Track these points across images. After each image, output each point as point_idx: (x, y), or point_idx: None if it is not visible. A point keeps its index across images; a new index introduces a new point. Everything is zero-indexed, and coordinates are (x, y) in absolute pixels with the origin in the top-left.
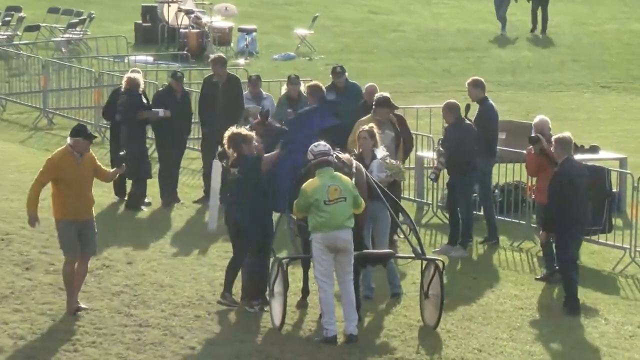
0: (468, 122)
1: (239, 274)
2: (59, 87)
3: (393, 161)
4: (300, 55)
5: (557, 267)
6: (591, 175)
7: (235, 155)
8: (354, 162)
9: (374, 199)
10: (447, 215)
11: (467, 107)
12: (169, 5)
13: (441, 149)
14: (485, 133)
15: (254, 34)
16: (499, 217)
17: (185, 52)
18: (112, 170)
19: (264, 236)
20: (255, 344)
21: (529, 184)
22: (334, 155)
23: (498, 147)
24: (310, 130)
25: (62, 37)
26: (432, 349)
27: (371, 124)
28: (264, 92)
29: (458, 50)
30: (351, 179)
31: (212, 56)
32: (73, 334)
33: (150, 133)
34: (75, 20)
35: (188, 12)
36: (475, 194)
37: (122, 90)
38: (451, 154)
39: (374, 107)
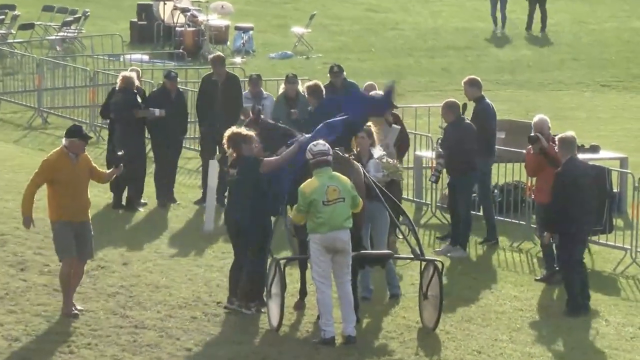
0: (468, 121)
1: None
2: (54, 86)
3: (390, 160)
4: (297, 54)
5: (557, 268)
6: (592, 175)
7: (234, 155)
8: (354, 162)
9: (372, 199)
10: (449, 216)
11: (464, 107)
12: (164, 4)
13: (440, 149)
14: (483, 132)
15: (251, 32)
16: (499, 218)
17: (181, 50)
18: (108, 171)
19: (264, 236)
20: (253, 346)
21: (529, 184)
22: (335, 152)
23: (497, 147)
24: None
25: (57, 36)
26: (431, 351)
27: (369, 123)
28: (264, 92)
29: (457, 48)
30: (350, 178)
31: (211, 55)
32: (68, 336)
33: (147, 133)
34: (70, 18)
35: (184, 11)
36: (474, 194)
37: (117, 88)
38: (451, 153)
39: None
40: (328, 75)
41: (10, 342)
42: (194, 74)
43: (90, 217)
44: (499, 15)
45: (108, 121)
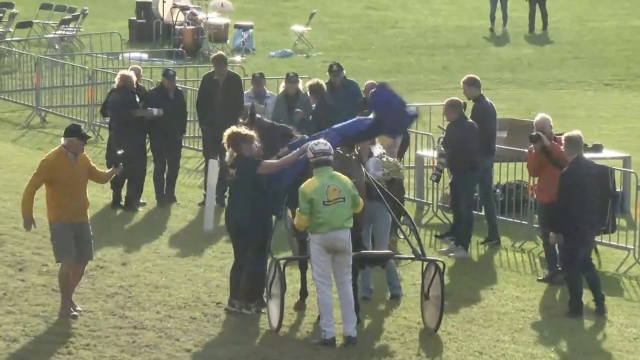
0: (470, 120)
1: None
2: (52, 85)
3: (390, 159)
4: (297, 52)
5: (559, 268)
6: (595, 174)
7: (234, 155)
8: (356, 162)
9: (373, 199)
10: (452, 215)
11: (464, 106)
12: (164, 2)
13: (442, 148)
14: (482, 132)
15: (251, 30)
16: (501, 217)
17: (180, 49)
18: (108, 171)
19: (264, 236)
20: (253, 346)
21: (531, 184)
22: (336, 151)
23: (499, 146)
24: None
25: (55, 34)
26: (433, 352)
27: None
28: (267, 91)
29: (457, 47)
30: (351, 177)
31: (213, 54)
32: (67, 336)
33: None
34: (69, 16)
35: (183, 9)
36: (476, 194)
37: (115, 87)
38: (453, 152)
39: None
40: (327, 74)
41: (9, 343)
42: (193, 73)
43: (89, 218)
44: (499, 14)
45: (107, 120)
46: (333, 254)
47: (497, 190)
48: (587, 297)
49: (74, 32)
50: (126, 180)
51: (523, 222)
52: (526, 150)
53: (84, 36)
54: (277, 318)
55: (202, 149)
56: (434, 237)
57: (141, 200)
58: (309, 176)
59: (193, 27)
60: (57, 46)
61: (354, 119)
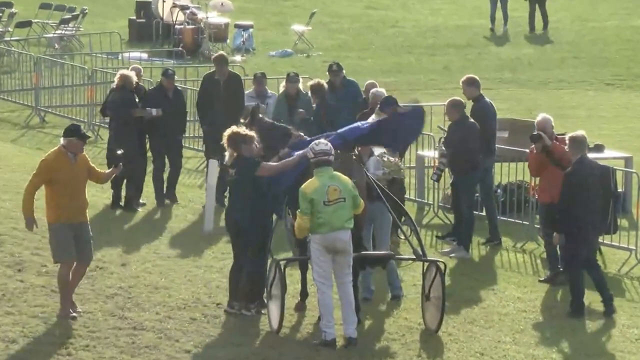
0: (472, 120)
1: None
2: (51, 85)
3: (391, 158)
4: (297, 52)
5: (561, 269)
6: (597, 174)
7: (234, 155)
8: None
9: (374, 199)
10: (453, 216)
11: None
12: (163, 1)
13: (443, 148)
14: (482, 131)
15: (251, 30)
16: (502, 218)
17: (180, 48)
18: (107, 171)
19: (264, 237)
20: (253, 347)
21: (532, 184)
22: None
23: (501, 146)
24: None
25: (55, 34)
26: (433, 353)
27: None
28: (269, 91)
29: (457, 47)
30: (351, 177)
31: (215, 55)
32: (66, 337)
33: None
34: (68, 16)
35: (183, 8)
36: (477, 194)
37: (114, 86)
38: (455, 152)
39: (381, 106)
40: (327, 74)
41: (7, 344)
42: (193, 72)
43: (88, 218)
44: (499, 15)
45: (108, 120)
46: (333, 255)
47: (498, 191)
48: (588, 298)
49: (74, 32)
50: (125, 181)
51: (524, 222)
52: (527, 151)
53: (84, 36)
54: (278, 319)
55: (202, 149)
56: (436, 238)
57: (141, 201)
58: (309, 176)
59: (193, 26)
60: (56, 46)
61: (354, 125)
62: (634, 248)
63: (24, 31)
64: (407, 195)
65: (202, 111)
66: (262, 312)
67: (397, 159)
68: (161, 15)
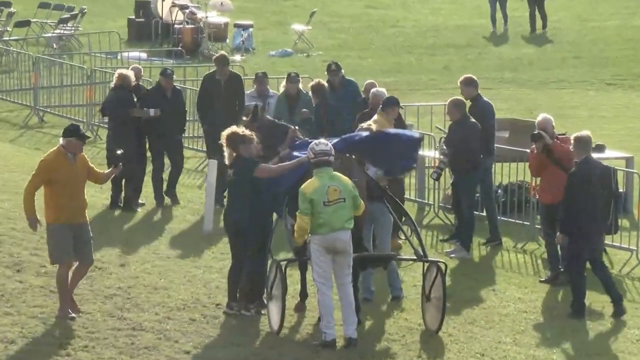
0: (473, 120)
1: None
2: (50, 85)
3: None
4: (297, 51)
5: (562, 269)
6: (598, 174)
7: (233, 155)
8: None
9: (374, 200)
10: (454, 216)
11: None
12: (163, 0)
13: (444, 147)
14: (482, 131)
15: (250, 29)
16: (502, 218)
17: (179, 48)
18: (106, 171)
19: (263, 237)
20: (253, 348)
21: (533, 184)
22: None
23: (502, 146)
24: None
25: (53, 33)
26: (434, 354)
27: (369, 122)
28: (270, 90)
29: (457, 46)
30: (351, 177)
31: (216, 55)
32: (65, 338)
33: None
34: (67, 15)
35: (182, 8)
36: (477, 194)
37: (113, 86)
38: (455, 152)
39: (382, 106)
40: (326, 73)
41: (6, 345)
42: (192, 72)
43: (88, 219)
44: (499, 15)
45: (107, 119)
46: (333, 255)
47: (499, 191)
48: (589, 298)
49: (73, 31)
50: (124, 181)
51: (525, 222)
52: (528, 151)
53: (83, 35)
54: (278, 320)
55: (202, 149)
56: (440, 241)
57: (140, 201)
58: (309, 176)
59: (192, 26)
60: (55, 45)
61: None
62: (635, 248)
63: (22, 31)
64: (407, 196)
65: (202, 111)
66: (262, 312)
67: None
68: (160, 14)
